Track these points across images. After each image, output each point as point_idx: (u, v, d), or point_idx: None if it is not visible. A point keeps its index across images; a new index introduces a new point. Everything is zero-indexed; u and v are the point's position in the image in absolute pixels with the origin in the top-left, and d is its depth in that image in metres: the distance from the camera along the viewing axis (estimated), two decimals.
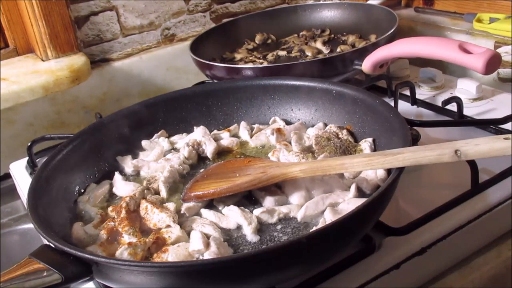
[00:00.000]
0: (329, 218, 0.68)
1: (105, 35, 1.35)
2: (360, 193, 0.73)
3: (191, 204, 0.76)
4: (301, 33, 1.37)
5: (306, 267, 0.63)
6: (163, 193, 0.80)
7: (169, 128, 0.97)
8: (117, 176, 0.86)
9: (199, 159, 0.90)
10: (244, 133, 0.94)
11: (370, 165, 0.68)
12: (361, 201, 0.66)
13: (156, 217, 0.73)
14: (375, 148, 0.81)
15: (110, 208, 0.77)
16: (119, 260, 0.64)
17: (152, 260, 0.66)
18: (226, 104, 0.99)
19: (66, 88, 1.22)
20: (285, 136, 0.90)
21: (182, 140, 0.94)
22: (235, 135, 0.95)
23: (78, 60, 1.26)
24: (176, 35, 1.44)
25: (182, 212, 0.75)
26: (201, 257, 0.66)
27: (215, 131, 0.96)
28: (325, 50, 1.25)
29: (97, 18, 1.32)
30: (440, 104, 1.02)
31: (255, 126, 0.95)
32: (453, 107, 1.00)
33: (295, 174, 0.73)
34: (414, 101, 1.08)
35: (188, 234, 0.70)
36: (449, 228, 0.74)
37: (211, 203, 0.77)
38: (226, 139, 0.93)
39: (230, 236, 0.71)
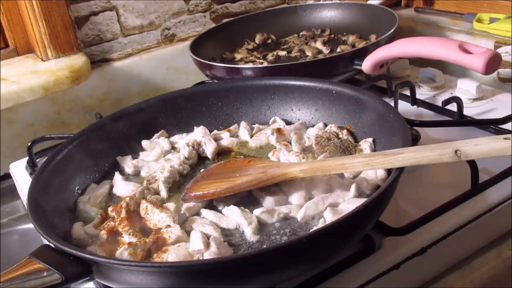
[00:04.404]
0: (329, 218, 0.68)
1: (105, 35, 1.34)
2: (360, 193, 0.73)
3: (191, 204, 0.76)
4: (301, 33, 1.37)
5: (306, 267, 0.63)
6: (163, 193, 0.80)
7: (169, 128, 0.97)
8: (117, 176, 0.86)
9: (199, 159, 0.90)
10: (244, 133, 0.94)
11: (370, 165, 0.68)
12: (361, 201, 0.66)
13: (156, 217, 0.73)
14: (375, 148, 0.81)
15: (110, 208, 0.77)
16: (119, 260, 0.64)
17: (152, 260, 0.66)
18: (226, 104, 0.99)
19: (66, 88, 1.22)
20: (285, 136, 0.90)
21: (182, 140, 0.94)
22: (235, 135, 0.95)
23: (78, 60, 1.26)
24: (176, 35, 1.44)
25: (182, 212, 0.75)
26: (201, 257, 0.66)
27: (215, 131, 0.96)
28: (325, 50, 1.25)
29: (97, 18, 1.32)
30: (440, 104, 1.02)
31: (255, 126, 0.96)
32: (453, 107, 1.00)
33: (295, 174, 0.73)
34: (414, 101, 1.08)
35: (188, 234, 0.70)
36: (449, 228, 0.74)
37: (211, 203, 0.77)
38: (226, 139, 0.93)
39: (230, 236, 0.71)
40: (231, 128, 0.95)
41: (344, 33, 1.32)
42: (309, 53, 1.24)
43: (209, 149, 0.89)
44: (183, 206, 0.76)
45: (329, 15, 1.38)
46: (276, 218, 0.72)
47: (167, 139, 0.95)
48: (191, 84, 1.17)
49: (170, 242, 0.69)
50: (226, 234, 0.71)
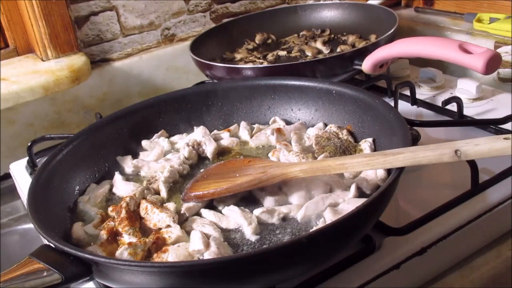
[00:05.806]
0: (329, 218, 0.68)
1: (105, 35, 1.35)
2: (360, 193, 0.73)
3: (191, 204, 0.76)
4: (301, 33, 1.37)
5: (306, 267, 0.63)
6: (163, 193, 0.80)
7: (169, 128, 0.97)
8: (117, 176, 0.86)
9: (199, 159, 0.90)
10: (244, 133, 0.94)
11: (370, 165, 0.68)
12: (361, 201, 0.66)
13: (156, 217, 0.73)
14: (375, 148, 0.81)
15: (110, 208, 0.77)
16: (119, 260, 0.64)
17: (152, 260, 0.66)
18: (226, 104, 0.99)
19: (66, 88, 1.22)
20: (285, 136, 0.90)
21: (182, 140, 0.94)
22: (235, 135, 0.95)
23: (78, 60, 1.26)
24: (176, 35, 1.44)
25: (182, 212, 0.75)
26: (201, 257, 0.66)
27: (215, 131, 0.96)
28: (325, 50, 1.25)
29: (97, 18, 1.32)
30: (440, 104, 1.02)
31: (255, 126, 0.96)
32: (453, 107, 1.00)
33: (295, 174, 0.73)
34: (414, 101, 1.08)
35: (188, 234, 0.70)
36: (449, 228, 0.73)
37: (211, 203, 0.77)
38: (226, 139, 0.93)
39: (230, 236, 0.71)
40: (231, 128, 0.95)
41: (344, 33, 1.32)
42: (309, 53, 1.24)
43: (209, 149, 0.89)
44: (183, 206, 0.76)
45: (329, 15, 1.38)
46: (276, 218, 0.72)
47: (167, 139, 0.95)
48: (191, 84, 1.17)
49: (170, 242, 0.69)
50: (226, 234, 0.71)
